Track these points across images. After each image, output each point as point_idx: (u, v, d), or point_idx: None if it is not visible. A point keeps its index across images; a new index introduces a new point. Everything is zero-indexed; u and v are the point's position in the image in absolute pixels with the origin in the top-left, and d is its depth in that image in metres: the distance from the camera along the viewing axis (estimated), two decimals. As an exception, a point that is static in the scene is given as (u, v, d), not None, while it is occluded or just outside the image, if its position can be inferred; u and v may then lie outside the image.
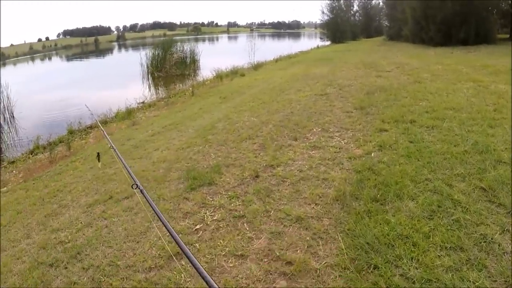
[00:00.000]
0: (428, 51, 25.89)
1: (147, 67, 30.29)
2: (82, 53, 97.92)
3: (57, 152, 11.63)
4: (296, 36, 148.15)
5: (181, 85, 25.00)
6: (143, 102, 18.80)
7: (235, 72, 24.25)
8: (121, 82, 31.19)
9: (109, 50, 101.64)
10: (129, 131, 12.37)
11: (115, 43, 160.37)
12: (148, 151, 8.46)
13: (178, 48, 32.57)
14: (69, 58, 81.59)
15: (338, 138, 7.45)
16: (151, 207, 2.45)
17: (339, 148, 6.87)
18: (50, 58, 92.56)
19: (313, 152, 6.88)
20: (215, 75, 24.47)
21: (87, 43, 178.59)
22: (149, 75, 29.84)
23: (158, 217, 2.29)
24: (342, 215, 4.57)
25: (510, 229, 3.83)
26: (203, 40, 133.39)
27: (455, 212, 4.26)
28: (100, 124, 6.71)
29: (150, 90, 24.83)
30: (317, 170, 6.00)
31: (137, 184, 2.81)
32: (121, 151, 8.62)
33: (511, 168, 5.05)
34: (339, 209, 4.72)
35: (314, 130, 8.12)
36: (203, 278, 1.63)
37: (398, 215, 4.34)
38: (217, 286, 1.55)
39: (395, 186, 4.98)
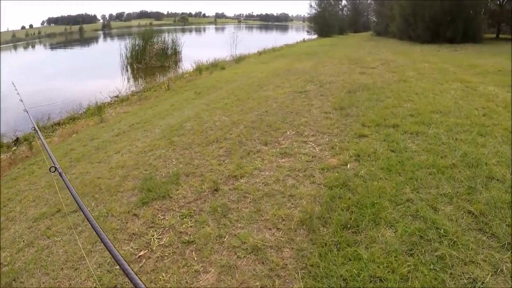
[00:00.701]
0: (415, 48, 25.50)
1: (126, 58, 29.06)
2: (66, 42, 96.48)
3: (20, 152, 10.96)
4: (284, 29, 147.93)
5: (159, 78, 24.26)
6: (117, 96, 17.89)
7: (215, 65, 23.43)
8: (101, 73, 30.24)
9: (94, 39, 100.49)
10: (94, 130, 11.61)
11: (101, 32, 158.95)
12: (109, 154, 7.86)
13: (160, 39, 31.40)
14: (52, 47, 79.99)
15: (313, 144, 6.76)
16: (71, 193, 2.43)
17: (312, 157, 6.17)
18: (33, 47, 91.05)
19: (283, 160, 6.19)
20: (194, 68, 23.50)
21: (72, 31, 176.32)
22: (128, 67, 28.53)
23: (89, 221, 2.10)
24: (306, 245, 3.86)
25: (504, 268, 3.21)
26: (190, 30, 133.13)
27: (440, 246, 3.56)
28: (39, 132, 5.76)
29: (128, 83, 24.16)
30: (284, 183, 5.30)
31: (55, 167, 2.72)
32: (82, 152, 8.56)
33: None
34: (304, 237, 4.00)
35: (288, 133, 7.52)
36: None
37: (373, 248, 3.63)
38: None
39: (371, 209, 4.27)
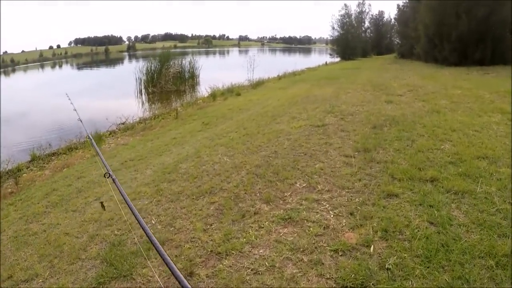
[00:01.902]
0: (442, 71, 23.70)
1: (140, 82, 27.96)
2: (92, 62, 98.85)
3: (6, 186, 10.04)
4: (307, 51, 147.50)
5: (172, 103, 22.91)
6: (123, 123, 16.50)
7: (231, 91, 22.05)
8: (117, 94, 29.77)
9: (119, 60, 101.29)
10: (86, 165, 10.50)
11: (126, 53, 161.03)
12: (88, 201, 6.94)
13: (176, 62, 30.12)
14: (79, 67, 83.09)
15: (326, 205, 5.30)
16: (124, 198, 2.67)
17: (324, 228, 4.70)
18: (60, 66, 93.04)
19: (285, 230, 4.75)
20: (209, 93, 22.14)
21: (97, 52, 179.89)
22: (143, 91, 27.31)
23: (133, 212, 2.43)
24: None
25: None
26: (214, 53, 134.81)
27: None
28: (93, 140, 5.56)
29: (141, 107, 23.02)
30: (281, 273, 3.87)
31: (109, 173, 2.98)
32: (62, 195, 7.71)
33: None
34: None
35: (297, 185, 6.12)
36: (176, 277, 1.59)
37: None
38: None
39: None
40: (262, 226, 4.93)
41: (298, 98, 15.26)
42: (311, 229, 4.67)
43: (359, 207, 5.09)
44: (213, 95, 21.04)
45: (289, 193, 5.84)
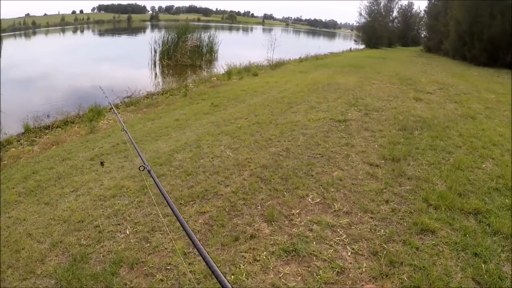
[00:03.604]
0: (472, 71, 22.32)
1: (155, 53, 26.80)
2: (114, 30, 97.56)
3: None
4: (331, 36, 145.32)
5: (185, 78, 21.64)
6: (129, 97, 15.34)
7: (248, 70, 20.75)
8: (132, 64, 28.80)
9: (141, 29, 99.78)
10: (76, 144, 9.33)
11: (148, 23, 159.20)
12: (64, 192, 5.89)
13: (195, 35, 28.81)
14: (100, 33, 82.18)
15: (344, 236, 4.21)
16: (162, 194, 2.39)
17: (338, 272, 3.63)
18: (82, 31, 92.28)
19: (286, 269, 3.69)
20: (225, 71, 20.91)
21: (120, 19, 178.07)
22: (157, 63, 26.46)
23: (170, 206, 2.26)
24: None
25: None
26: (237, 29, 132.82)
27: None
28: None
29: (155, 80, 22.26)
30: None
31: (144, 166, 2.85)
32: (40, 180, 6.58)
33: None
34: None
35: (309, 199, 5.03)
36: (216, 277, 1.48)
37: None
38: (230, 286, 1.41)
39: None
40: (258, 258, 3.86)
41: (319, 84, 14.11)
42: (320, 272, 3.60)
43: (384, 244, 4.00)
44: (229, 74, 19.75)
45: (297, 210, 4.76)
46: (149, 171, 2.74)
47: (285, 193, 5.22)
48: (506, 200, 4.81)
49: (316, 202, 4.92)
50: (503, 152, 6.64)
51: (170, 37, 28.10)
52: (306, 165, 6.10)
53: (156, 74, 24.69)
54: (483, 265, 3.61)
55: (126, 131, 4.48)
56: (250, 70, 21.03)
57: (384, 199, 4.92)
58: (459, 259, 3.73)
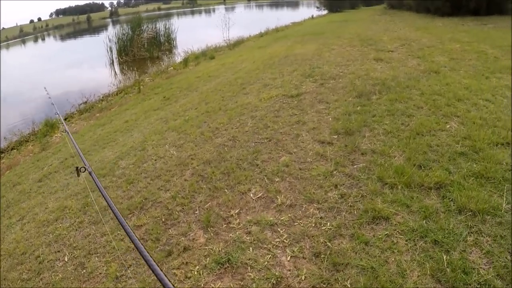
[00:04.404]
0: (436, 22, 21.64)
1: (111, 51, 25.77)
2: (75, 32, 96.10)
3: None
4: (294, 5, 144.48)
5: (144, 72, 20.85)
6: (85, 103, 14.61)
7: (205, 54, 19.98)
8: (95, 66, 27.49)
9: (103, 27, 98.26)
10: (28, 166, 8.90)
11: (109, 20, 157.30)
12: (12, 222, 5.64)
13: (149, 27, 28.00)
14: (61, 38, 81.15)
15: (284, 236, 3.64)
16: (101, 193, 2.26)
17: (274, 282, 3.11)
18: (43, 39, 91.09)
19: (217, 285, 3.20)
20: (183, 59, 20.21)
21: (79, 21, 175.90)
22: (114, 61, 25.51)
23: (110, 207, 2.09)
24: None
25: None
26: (199, 12, 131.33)
27: None
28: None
29: (115, 79, 21.19)
30: None
31: (85, 167, 2.74)
32: None
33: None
34: None
35: (251, 194, 4.46)
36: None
37: None
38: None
39: None
40: (190, 275, 3.34)
41: (275, 58, 13.36)
42: (254, 285, 3.06)
43: (329, 241, 3.40)
44: (185, 61, 19.09)
45: (237, 210, 4.18)
46: (90, 173, 2.63)
47: (226, 190, 4.64)
48: (474, 166, 4.18)
49: (258, 197, 4.33)
50: (469, 108, 6.01)
51: (124, 32, 27.07)
52: (252, 153, 5.48)
53: (115, 72, 23.71)
54: (444, 256, 2.99)
55: (68, 132, 4.47)
56: (207, 54, 20.29)
57: (333, 183, 4.28)
58: (416, 251, 3.11)
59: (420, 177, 4.02)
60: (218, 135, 6.54)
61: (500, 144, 4.68)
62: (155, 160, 6.17)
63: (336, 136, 5.50)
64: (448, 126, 5.34)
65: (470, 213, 3.41)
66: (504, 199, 3.54)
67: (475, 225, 3.28)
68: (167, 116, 8.81)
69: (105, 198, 2.14)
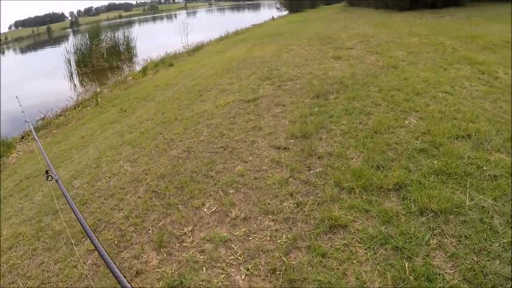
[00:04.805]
0: (394, 18, 21.64)
1: (69, 63, 25.35)
2: (35, 44, 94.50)
3: None
4: (256, 7, 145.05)
5: (105, 82, 20.40)
6: (43, 119, 14.16)
7: (164, 62, 19.66)
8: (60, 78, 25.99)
9: (63, 38, 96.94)
10: None
11: (69, 30, 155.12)
12: None
13: (108, 35, 27.55)
14: (21, 51, 77.96)
15: (239, 253, 3.44)
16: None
17: None
18: (3, 52, 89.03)
19: None
20: (142, 67, 19.90)
21: (39, 32, 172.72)
22: (73, 73, 24.84)
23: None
24: None
25: None
26: (161, 18, 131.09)
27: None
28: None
29: (75, 92, 20.40)
30: None
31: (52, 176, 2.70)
32: None
33: None
34: None
35: (205, 209, 4.22)
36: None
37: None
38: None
39: None
40: None
41: (234, 62, 13.11)
42: None
43: (285, 256, 3.20)
44: (144, 70, 18.72)
45: (191, 227, 3.94)
46: (56, 181, 2.59)
47: (180, 206, 4.39)
48: (434, 162, 4.02)
49: (212, 212, 4.11)
50: (427, 101, 5.89)
51: (82, 43, 26.53)
52: (206, 164, 5.24)
53: (75, 85, 23.12)
54: (406, 264, 2.82)
55: (36, 140, 4.47)
56: (166, 62, 19.97)
57: (289, 191, 4.06)
58: (376, 260, 2.91)
59: (378, 179, 3.83)
60: (173, 147, 6.28)
61: (460, 137, 4.55)
62: (109, 177, 5.90)
63: (292, 141, 5.29)
64: (407, 122, 5.19)
65: (432, 214, 3.24)
66: (467, 195, 3.38)
67: (438, 227, 3.10)
68: (123, 129, 8.53)
69: (73, 210, 2.13)
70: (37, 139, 4.61)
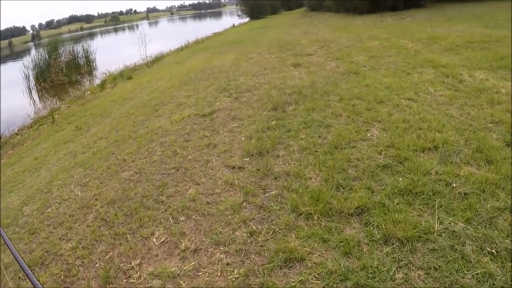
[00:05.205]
0: (355, 21, 21.65)
1: (27, 78, 24.47)
2: None
3: None
4: (218, 15, 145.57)
5: (64, 97, 19.69)
6: (-1, 138, 13.55)
7: (122, 75, 19.19)
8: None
9: (25, 52, 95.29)
10: None
11: (31, 44, 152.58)
12: None
13: (66, 49, 26.82)
14: None
15: None
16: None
17: None
18: None
19: None
20: (100, 81, 19.35)
21: (1, 47, 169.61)
22: (32, 89, 23.98)
23: None
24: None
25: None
26: (123, 29, 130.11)
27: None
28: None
29: (35, 108, 19.51)
30: None
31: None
32: None
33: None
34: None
35: (154, 240, 3.87)
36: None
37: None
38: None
39: None
40: None
41: (192, 73, 12.77)
42: None
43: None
44: (102, 84, 18.17)
45: (138, 260, 3.60)
46: None
47: (128, 236, 4.03)
48: (399, 180, 3.71)
49: (161, 242, 3.77)
50: (390, 110, 5.66)
51: (41, 57, 25.81)
52: (158, 187, 4.89)
53: (34, 101, 22.40)
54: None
55: None
56: (124, 75, 19.46)
57: (242, 218, 3.73)
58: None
59: (339, 202, 3.51)
60: (125, 168, 5.90)
61: (427, 149, 4.28)
62: (59, 203, 5.49)
63: (248, 159, 4.97)
64: (369, 134, 4.91)
65: (397, 242, 2.94)
66: (436, 217, 3.08)
67: (404, 257, 2.80)
68: (76, 149, 8.10)
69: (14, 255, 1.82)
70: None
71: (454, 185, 3.49)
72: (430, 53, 8.97)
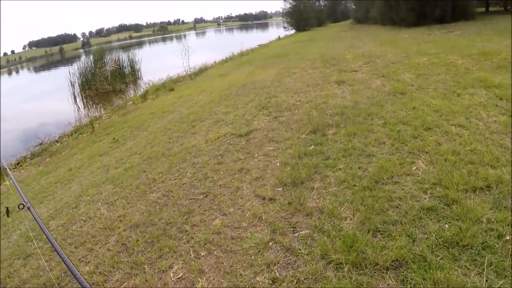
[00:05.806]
0: (402, 34, 21.06)
1: (73, 86, 24.73)
2: (48, 64, 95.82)
3: None
4: (264, 26, 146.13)
5: (108, 106, 19.85)
6: (41, 144, 13.86)
7: (164, 86, 19.14)
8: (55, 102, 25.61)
9: (75, 58, 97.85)
10: None
11: (81, 50, 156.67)
12: None
13: (112, 58, 27.06)
14: (35, 70, 79.80)
15: None
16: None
17: None
18: (17, 72, 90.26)
19: None
20: (143, 92, 19.42)
21: (52, 53, 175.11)
22: (77, 96, 24.32)
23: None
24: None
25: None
26: (170, 39, 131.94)
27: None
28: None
29: (79, 114, 19.84)
30: None
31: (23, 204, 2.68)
32: None
33: None
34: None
35: (171, 272, 3.61)
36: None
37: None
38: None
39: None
40: None
41: (233, 88, 12.54)
42: None
43: None
44: (145, 95, 18.15)
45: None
46: (28, 208, 2.54)
47: (146, 266, 3.79)
48: (446, 228, 3.26)
49: (178, 278, 3.48)
50: (439, 139, 5.15)
51: (86, 65, 26.11)
52: (183, 214, 4.62)
53: (78, 108, 22.62)
54: None
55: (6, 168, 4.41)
56: (166, 86, 19.39)
57: (266, 261, 3.37)
58: None
59: (374, 252, 3.10)
60: (154, 189, 5.68)
61: (478, 190, 3.76)
62: (85, 221, 5.34)
63: (280, 189, 4.61)
64: (414, 168, 4.45)
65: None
66: (484, 278, 2.63)
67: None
68: (110, 163, 7.97)
69: (48, 238, 2.06)
70: (11, 176, 4.13)
71: (508, 238, 3.01)
72: (482, 71, 8.41)
